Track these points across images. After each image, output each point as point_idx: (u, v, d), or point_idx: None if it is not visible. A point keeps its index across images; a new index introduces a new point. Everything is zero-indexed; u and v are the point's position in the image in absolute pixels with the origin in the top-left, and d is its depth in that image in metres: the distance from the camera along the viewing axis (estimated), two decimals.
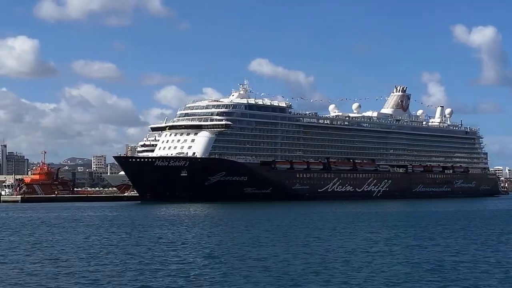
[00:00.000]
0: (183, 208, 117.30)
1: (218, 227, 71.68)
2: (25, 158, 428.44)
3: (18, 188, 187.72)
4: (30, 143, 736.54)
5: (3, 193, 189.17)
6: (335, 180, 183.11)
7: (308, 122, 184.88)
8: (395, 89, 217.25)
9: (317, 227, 70.89)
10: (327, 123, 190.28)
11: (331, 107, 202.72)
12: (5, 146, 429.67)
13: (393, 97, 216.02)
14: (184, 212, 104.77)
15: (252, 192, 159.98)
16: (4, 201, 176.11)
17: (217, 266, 39.82)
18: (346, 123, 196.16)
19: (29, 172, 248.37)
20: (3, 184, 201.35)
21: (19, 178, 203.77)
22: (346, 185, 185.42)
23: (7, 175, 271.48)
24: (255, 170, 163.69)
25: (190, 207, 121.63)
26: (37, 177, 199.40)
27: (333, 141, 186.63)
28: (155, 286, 33.36)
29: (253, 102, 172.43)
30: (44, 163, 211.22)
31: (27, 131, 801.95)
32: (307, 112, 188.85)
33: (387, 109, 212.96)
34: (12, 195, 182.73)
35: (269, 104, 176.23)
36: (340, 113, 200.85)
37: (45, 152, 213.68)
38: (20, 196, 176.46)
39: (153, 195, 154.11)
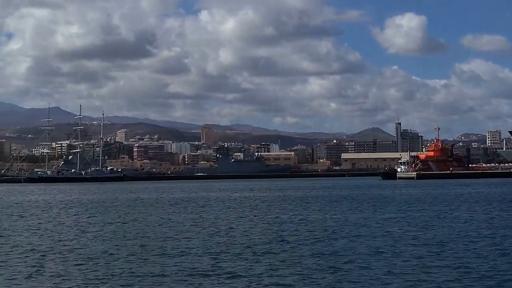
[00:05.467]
0: None
1: None
2: (419, 135, 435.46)
3: (413, 165, 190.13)
4: (422, 119, 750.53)
5: (398, 170, 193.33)
6: None
7: None
8: None
9: None
10: None
11: None
12: (399, 123, 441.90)
13: None
14: None
15: None
16: (400, 178, 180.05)
17: None
18: None
19: (423, 149, 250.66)
20: (399, 161, 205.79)
21: (414, 155, 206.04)
22: None
23: (402, 152, 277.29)
24: None
25: None
26: (431, 153, 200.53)
27: None
28: None
29: None
30: (438, 139, 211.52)
31: (418, 108, 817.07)
32: None
33: None
34: (407, 171, 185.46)
35: None
36: None
37: (439, 129, 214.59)
38: (415, 173, 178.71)
39: None
